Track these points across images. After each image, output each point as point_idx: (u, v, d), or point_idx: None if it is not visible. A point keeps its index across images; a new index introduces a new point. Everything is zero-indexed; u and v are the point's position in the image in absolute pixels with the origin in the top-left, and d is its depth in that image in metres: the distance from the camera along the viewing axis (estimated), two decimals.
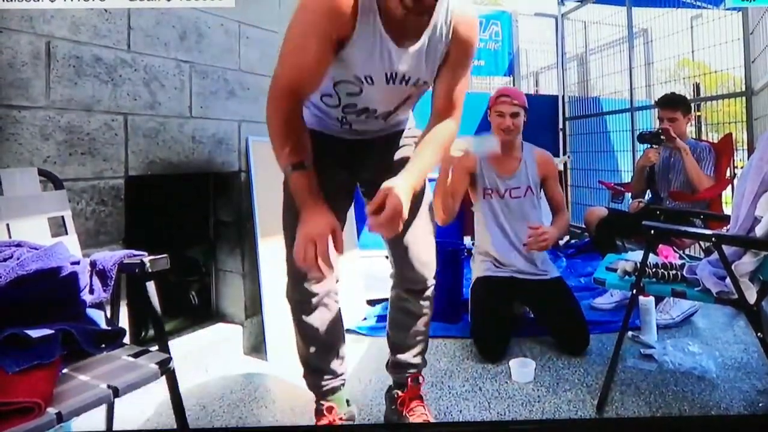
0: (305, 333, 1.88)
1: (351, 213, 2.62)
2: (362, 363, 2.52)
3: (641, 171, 3.45)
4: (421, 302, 1.92)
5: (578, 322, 2.64)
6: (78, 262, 1.63)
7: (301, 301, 1.84)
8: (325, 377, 1.92)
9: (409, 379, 1.98)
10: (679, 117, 3.25)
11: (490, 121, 2.82)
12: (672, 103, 3.27)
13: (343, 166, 1.83)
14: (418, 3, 1.37)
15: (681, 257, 3.12)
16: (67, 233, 1.79)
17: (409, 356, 1.97)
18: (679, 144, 3.21)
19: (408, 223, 1.65)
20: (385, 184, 1.45)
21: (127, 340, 1.58)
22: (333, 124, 1.78)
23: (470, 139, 2.67)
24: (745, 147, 3.80)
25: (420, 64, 1.57)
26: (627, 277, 2.21)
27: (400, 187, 1.44)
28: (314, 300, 1.83)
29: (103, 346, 1.49)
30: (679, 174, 3.26)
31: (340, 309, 1.93)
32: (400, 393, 1.98)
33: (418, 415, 1.94)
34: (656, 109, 3.99)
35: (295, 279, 1.81)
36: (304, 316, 1.85)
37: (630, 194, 3.74)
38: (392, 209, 1.40)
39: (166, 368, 1.43)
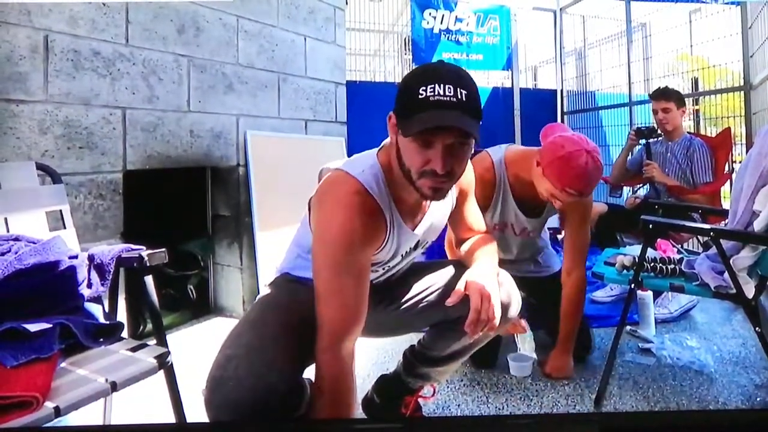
0: None
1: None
2: (360, 358, 2.51)
3: (628, 150, 3.59)
4: None
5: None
6: (76, 256, 1.63)
7: None
8: None
9: (420, 390, 1.83)
10: (673, 108, 3.28)
11: (543, 181, 2.01)
12: (665, 95, 3.30)
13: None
14: (437, 192, 1.30)
15: (679, 252, 3.11)
16: (65, 227, 1.80)
17: (436, 374, 1.78)
18: (661, 180, 3.32)
19: None
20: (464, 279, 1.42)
21: (125, 334, 1.58)
22: None
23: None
24: (744, 141, 3.80)
25: (431, 232, 1.55)
26: (625, 271, 2.21)
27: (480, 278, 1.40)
28: None
29: (101, 340, 1.49)
30: (677, 169, 3.27)
31: None
32: (407, 397, 1.82)
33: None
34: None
35: None
36: None
37: (628, 188, 3.76)
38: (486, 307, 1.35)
39: (164, 362, 1.43)
